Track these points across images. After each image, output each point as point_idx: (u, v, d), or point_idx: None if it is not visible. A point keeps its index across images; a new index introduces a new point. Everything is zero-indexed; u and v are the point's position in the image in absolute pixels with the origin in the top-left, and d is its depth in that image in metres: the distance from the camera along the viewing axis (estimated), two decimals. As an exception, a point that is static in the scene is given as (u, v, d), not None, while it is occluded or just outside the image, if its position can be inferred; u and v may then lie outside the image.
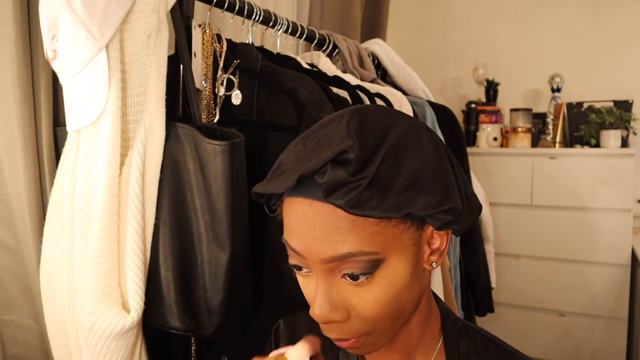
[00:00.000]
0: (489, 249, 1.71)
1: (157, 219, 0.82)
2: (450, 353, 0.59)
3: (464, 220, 0.52)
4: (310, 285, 0.53)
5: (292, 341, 0.68)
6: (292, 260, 0.53)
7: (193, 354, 0.98)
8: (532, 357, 0.60)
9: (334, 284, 0.50)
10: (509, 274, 2.28)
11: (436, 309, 0.62)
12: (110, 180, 0.75)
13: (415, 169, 0.49)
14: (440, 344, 0.60)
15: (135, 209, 0.77)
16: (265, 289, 0.98)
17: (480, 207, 0.56)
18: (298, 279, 0.55)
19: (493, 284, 1.71)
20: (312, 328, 0.64)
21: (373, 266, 0.49)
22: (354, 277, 0.49)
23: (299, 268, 0.53)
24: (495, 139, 2.41)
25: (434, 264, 0.54)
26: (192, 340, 0.98)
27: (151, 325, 0.83)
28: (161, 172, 0.82)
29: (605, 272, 2.12)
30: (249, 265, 0.86)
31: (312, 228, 0.49)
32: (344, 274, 0.49)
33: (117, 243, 0.77)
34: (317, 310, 0.50)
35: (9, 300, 0.93)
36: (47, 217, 0.82)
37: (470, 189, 0.56)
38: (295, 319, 0.71)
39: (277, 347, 0.70)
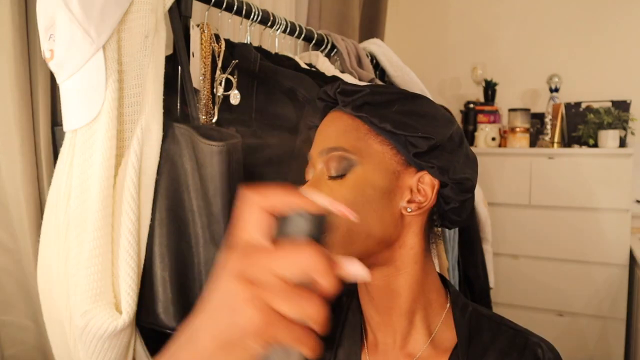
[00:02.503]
0: (487, 249, 1.71)
1: (153, 219, 0.82)
2: (460, 325, 0.61)
3: (441, 164, 0.59)
4: None
5: None
6: (308, 176, 0.63)
7: (191, 354, 0.98)
8: (544, 338, 0.62)
9: (320, 181, 0.60)
10: (507, 274, 2.28)
11: (436, 281, 0.65)
12: (105, 181, 0.75)
13: (414, 110, 0.60)
14: (443, 316, 0.63)
15: (130, 210, 0.77)
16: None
17: (472, 187, 0.62)
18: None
19: (491, 284, 1.71)
20: None
21: (346, 166, 0.58)
22: (332, 175, 0.59)
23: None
24: (493, 139, 2.42)
25: (408, 209, 0.59)
26: (190, 341, 0.98)
27: (147, 325, 0.83)
28: (158, 173, 0.82)
29: (603, 272, 2.12)
30: (246, 265, 0.86)
31: (325, 129, 0.62)
32: (327, 174, 0.59)
33: (111, 244, 0.77)
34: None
35: (7, 301, 0.93)
36: (45, 217, 0.81)
37: (472, 175, 0.62)
38: None
39: None
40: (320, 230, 0.34)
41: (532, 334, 0.62)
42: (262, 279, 0.32)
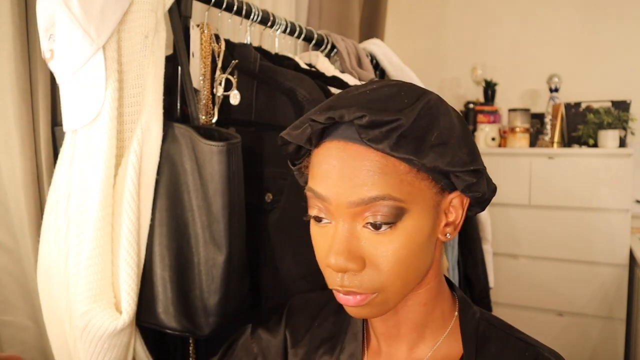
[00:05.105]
0: (487, 249, 1.71)
1: (154, 219, 0.82)
2: (467, 336, 0.59)
3: (484, 190, 0.54)
4: (326, 236, 0.53)
5: (302, 316, 0.70)
6: (313, 211, 0.54)
7: (191, 354, 0.98)
8: (554, 350, 0.59)
9: (353, 233, 0.51)
10: (507, 274, 2.28)
11: (447, 290, 0.62)
12: (105, 181, 0.75)
13: (446, 131, 0.51)
14: (451, 326, 0.60)
15: (130, 210, 0.77)
16: (264, 289, 0.98)
17: (495, 187, 0.58)
18: (313, 232, 0.55)
19: (491, 284, 1.71)
20: (323, 306, 0.69)
21: (397, 215, 0.50)
22: (377, 226, 0.50)
23: (319, 219, 0.54)
24: (493, 139, 2.42)
25: (447, 234, 0.55)
26: (190, 341, 0.98)
27: (147, 325, 0.83)
28: (158, 173, 0.82)
29: (603, 272, 2.12)
30: (246, 265, 0.86)
31: (343, 170, 0.50)
32: (367, 223, 0.51)
33: (111, 244, 0.77)
34: (333, 257, 0.50)
35: (7, 301, 0.93)
36: (45, 217, 0.82)
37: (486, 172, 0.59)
38: (308, 297, 0.72)
39: (287, 320, 0.70)
40: None
41: (543, 347, 0.58)
42: None
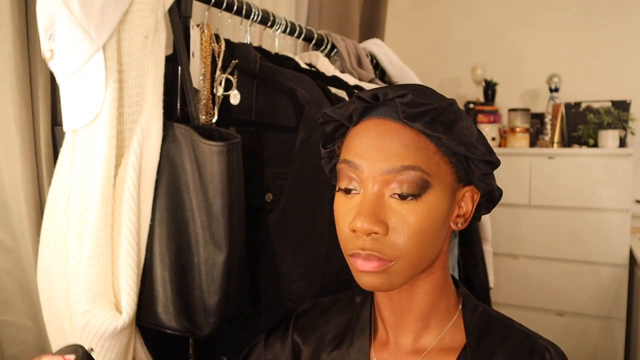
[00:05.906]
0: (487, 249, 1.71)
1: (154, 219, 0.82)
2: (470, 327, 0.62)
3: (495, 185, 0.60)
4: (352, 204, 0.57)
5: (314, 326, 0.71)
6: (343, 183, 0.58)
7: (191, 354, 0.98)
8: (553, 342, 0.62)
9: (381, 200, 0.55)
10: (507, 274, 2.28)
11: (452, 285, 0.66)
12: (105, 180, 0.75)
13: (467, 128, 0.58)
14: (455, 318, 0.64)
15: (130, 210, 0.77)
16: (263, 289, 0.98)
17: (502, 191, 0.63)
18: (337, 204, 0.59)
19: (491, 284, 1.71)
20: (330, 306, 0.72)
21: (422, 187, 0.55)
22: (403, 196, 0.55)
23: (348, 191, 0.58)
24: (493, 139, 2.42)
25: (458, 224, 0.60)
26: (190, 341, 0.98)
27: (147, 325, 0.83)
28: (158, 173, 0.82)
29: (603, 272, 2.12)
30: (245, 265, 0.86)
31: (380, 142, 0.55)
32: (394, 193, 0.55)
33: (111, 244, 0.77)
34: (360, 219, 0.54)
35: (7, 301, 0.93)
36: (45, 216, 0.82)
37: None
38: (315, 301, 0.75)
39: (298, 331, 0.72)
40: None
41: (541, 338, 0.63)
42: None
